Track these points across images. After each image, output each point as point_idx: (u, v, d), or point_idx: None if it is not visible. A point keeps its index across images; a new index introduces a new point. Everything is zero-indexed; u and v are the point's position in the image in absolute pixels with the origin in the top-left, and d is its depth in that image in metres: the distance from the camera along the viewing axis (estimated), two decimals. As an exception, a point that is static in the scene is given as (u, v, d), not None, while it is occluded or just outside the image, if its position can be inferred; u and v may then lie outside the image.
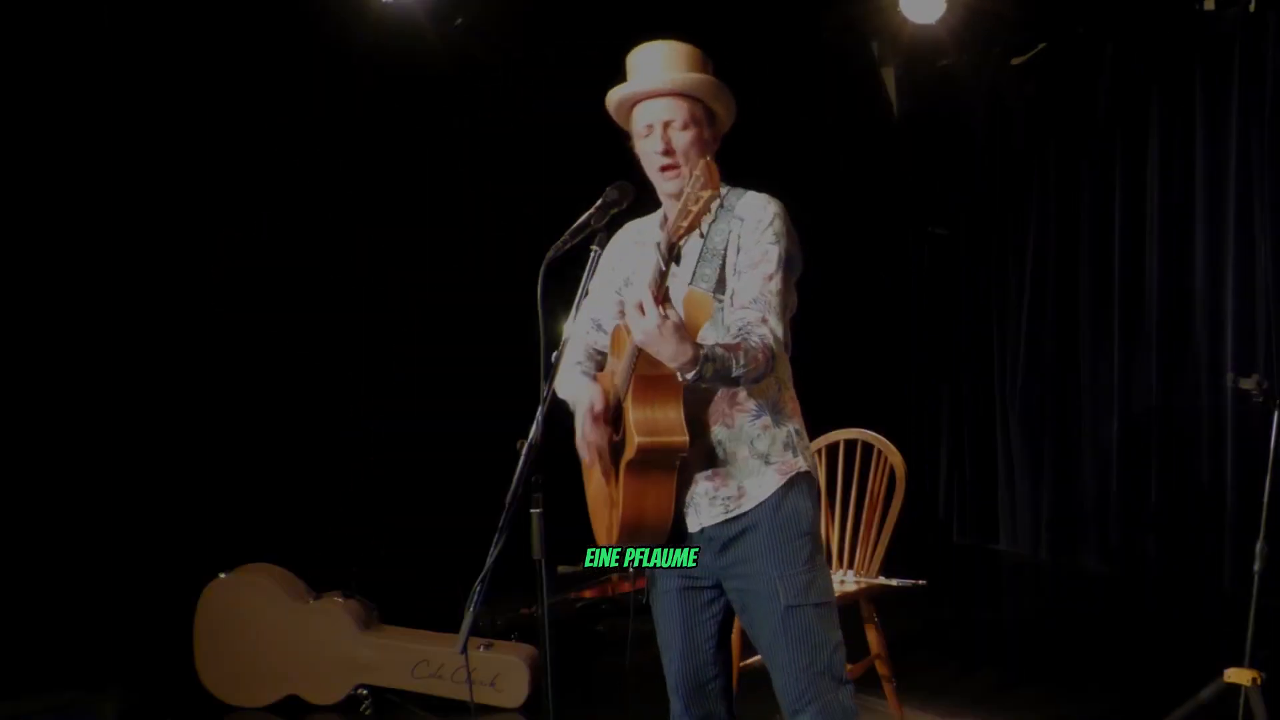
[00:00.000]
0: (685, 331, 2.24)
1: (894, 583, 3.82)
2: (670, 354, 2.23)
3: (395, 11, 5.17)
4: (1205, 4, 5.82)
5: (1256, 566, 3.66)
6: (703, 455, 2.50)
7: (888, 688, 3.80)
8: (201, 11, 5.00)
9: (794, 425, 2.57)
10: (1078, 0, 6.21)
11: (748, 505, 2.51)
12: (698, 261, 2.47)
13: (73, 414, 4.84)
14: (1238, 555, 5.61)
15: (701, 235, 2.49)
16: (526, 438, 2.31)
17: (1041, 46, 6.55)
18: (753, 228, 2.47)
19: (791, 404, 2.59)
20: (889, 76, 7.06)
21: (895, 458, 3.84)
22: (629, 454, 2.41)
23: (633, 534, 2.51)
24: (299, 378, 5.41)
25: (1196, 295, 5.88)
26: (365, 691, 4.27)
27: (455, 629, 2.46)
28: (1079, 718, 4.26)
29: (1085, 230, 6.38)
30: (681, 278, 2.47)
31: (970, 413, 7.02)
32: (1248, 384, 3.72)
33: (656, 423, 2.40)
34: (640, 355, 2.35)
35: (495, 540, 2.29)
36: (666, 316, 2.21)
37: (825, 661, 2.49)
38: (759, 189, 2.59)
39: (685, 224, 2.17)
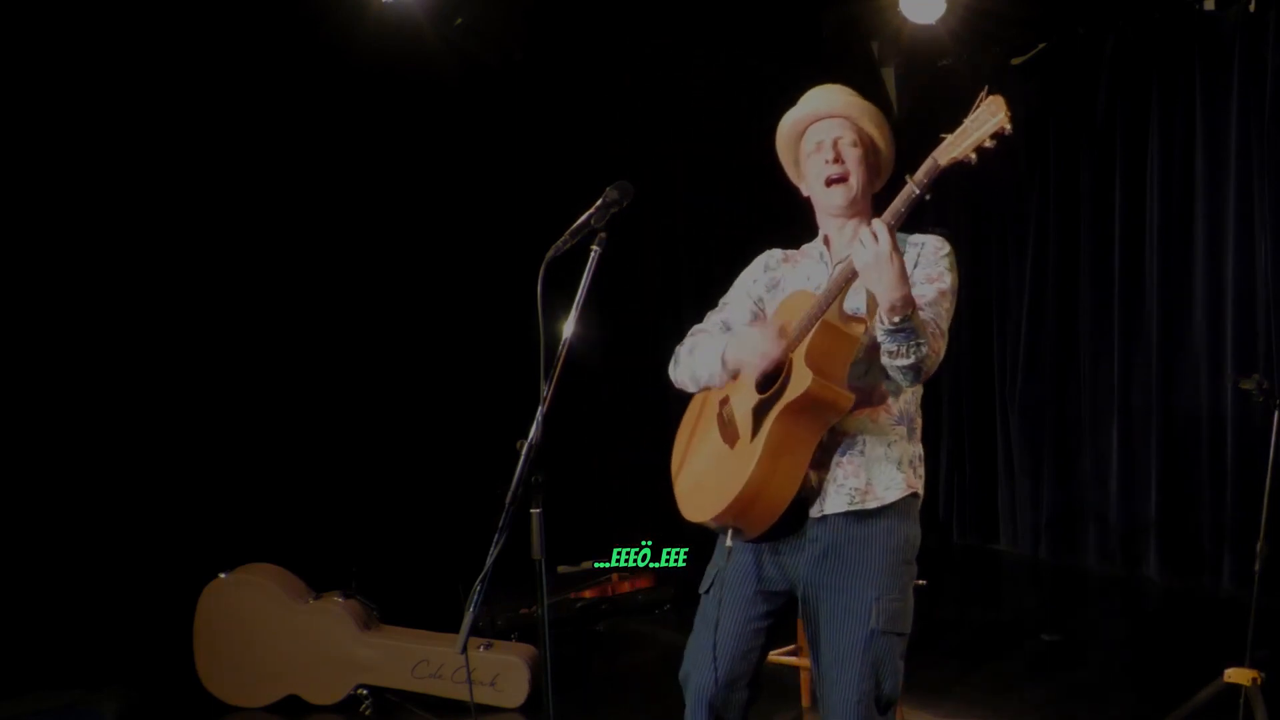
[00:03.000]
0: (906, 273, 2.31)
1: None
2: (889, 283, 2.28)
3: (395, 12, 5.17)
4: (1205, 4, 5.82)
5: (1256, 566, 3.66)
6: (843, 440, 2.53)
7: (888, 688, 3.79)
8: (202, 12, 5.00)
9: (919, 450, 2.64)
10: (1078, 0, 6.21)
11: (872, 503, 2.53)
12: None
13: (73, 414, 4.84)
14: (1238, 555, 5.62)
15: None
16: (526, 438, 2.31)
17: (1041, 46, 6.55)
18: (932, 252, 2.59)
19: (920, 431, 2.66)
20: (889, 76, 7.06)
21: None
22: (792, 395, 2.42)
23: (750, 501, 2.48)
24: (299, 377, 5.40)
25: (1196, 295, 5.89)
26: (365, 691, 4.27)
27: (455, 629, 2.47)
28: (1079, 718, 4.26)
29: (1085, 230, 6.39)
30: (851, 300, 2.52)
31: (970, 413, 7.02)
32: (1248, 384, 3.73)
33: (832, 374, 2.44)
34: (839, 299, 2.41)
35: (495, 540, 2.29)
36: (898, 251, 2.27)
37: (888, 691, 2.49)
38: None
39: (965, 144, 2.23)
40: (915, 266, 2.56)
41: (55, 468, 4.76)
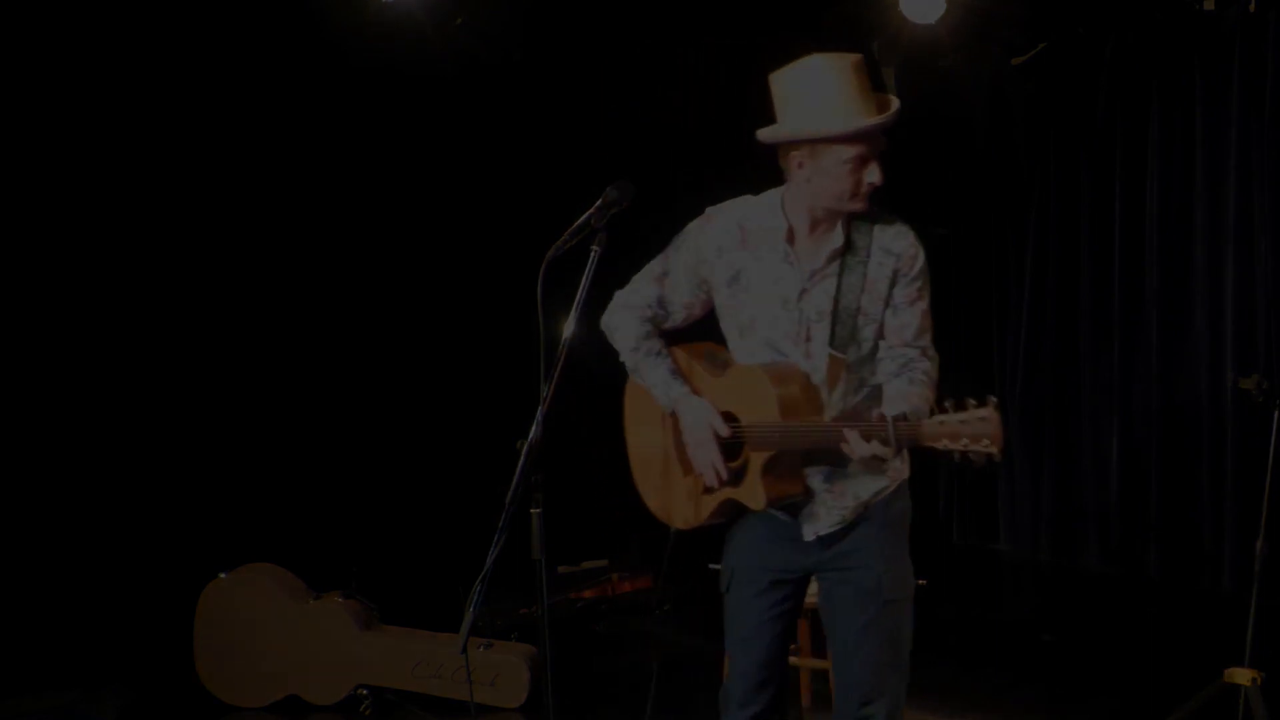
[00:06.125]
0: (876, 452, 2.32)
1: (894, 583, 3.80)
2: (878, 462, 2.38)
3: (395, 11, 5.18)
4: (1205, 4, 5.82)
5: (1256, 567, 3.66)
6: (822, 470, 2.54)
7: (888, 688, 3.78)
8: (202, 12, 5.00)
9: None
10: (1078, 0, 6.21)
11: (860, 511, 2.57)
12: (834, 322, 2.49)
13: (73, 414, 4.84)
14: (1238, 555, 5.61)
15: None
16: (526, 438, 2.31)
17: (1041, 46, 6.55)
18: (909, 264, 2.53)
19: None
20: (889, 76, 7.06)
21: (895, 458, 3.82)
22: (753, 505, 2.51)
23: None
24: (299, 377, 5.40)
25: (1196, 295, 5.89)
26: (365, 691, 4.27)
27: (455, 629, 2.47)
28: (1079, 718, 4.26)
29: (1085, 230, 6.39)
30: (820, 337, 2.50)
31: (970, 412, 7.00)
32: (1248, 384, 3.73)
33: (782, 481, 2.50)
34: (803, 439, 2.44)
35: (495, 540, 2.29)
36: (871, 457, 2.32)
37: (904, 658, 2.61)
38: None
39: (946, 440, 2.26)
40: (892, 285, 2.52)
41: (55, 467, 4.76)
